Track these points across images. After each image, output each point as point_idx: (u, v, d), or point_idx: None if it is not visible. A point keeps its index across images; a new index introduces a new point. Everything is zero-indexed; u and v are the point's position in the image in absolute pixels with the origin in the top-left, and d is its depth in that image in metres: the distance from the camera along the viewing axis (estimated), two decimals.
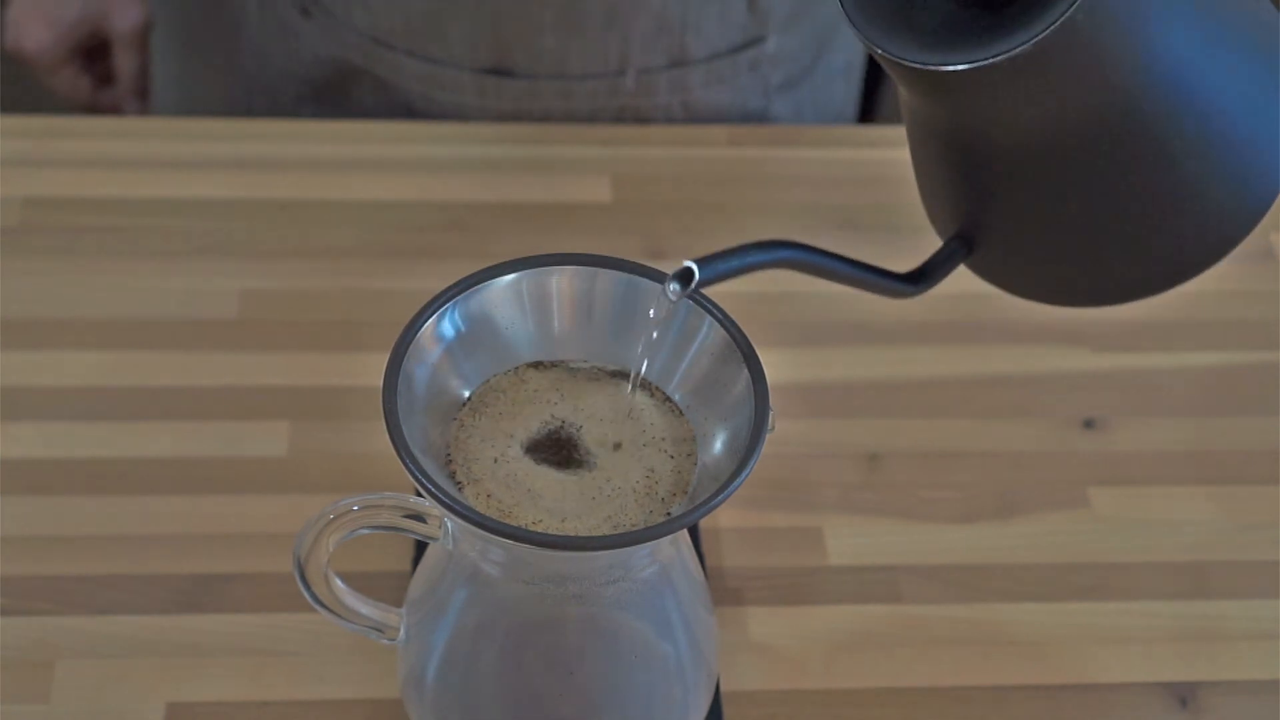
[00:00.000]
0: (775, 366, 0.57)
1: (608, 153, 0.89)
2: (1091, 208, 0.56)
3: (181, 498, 0.72)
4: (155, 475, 0.72)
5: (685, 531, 0.57)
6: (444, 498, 0.50)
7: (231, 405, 0.75)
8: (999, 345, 0.80)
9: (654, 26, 0.89)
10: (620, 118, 0.92)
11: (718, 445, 0.55)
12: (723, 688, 0.66)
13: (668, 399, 0.56)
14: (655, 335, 0.54)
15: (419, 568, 0.60)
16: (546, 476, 0.54)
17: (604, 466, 0.54)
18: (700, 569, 0.61)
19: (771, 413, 0.53)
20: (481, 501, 0.53)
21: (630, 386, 0.55)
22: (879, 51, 0.52)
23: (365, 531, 0.54)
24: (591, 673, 0.57)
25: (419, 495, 0.53)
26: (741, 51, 0.92)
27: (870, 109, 1.19)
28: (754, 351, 0.54)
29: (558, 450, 0.55)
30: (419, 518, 0.54)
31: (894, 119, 1.06)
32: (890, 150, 0.90)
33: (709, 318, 0.55)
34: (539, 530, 0.52)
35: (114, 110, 1.05)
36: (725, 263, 0.51)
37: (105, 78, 1.05)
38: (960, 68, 0.51)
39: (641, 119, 0.92)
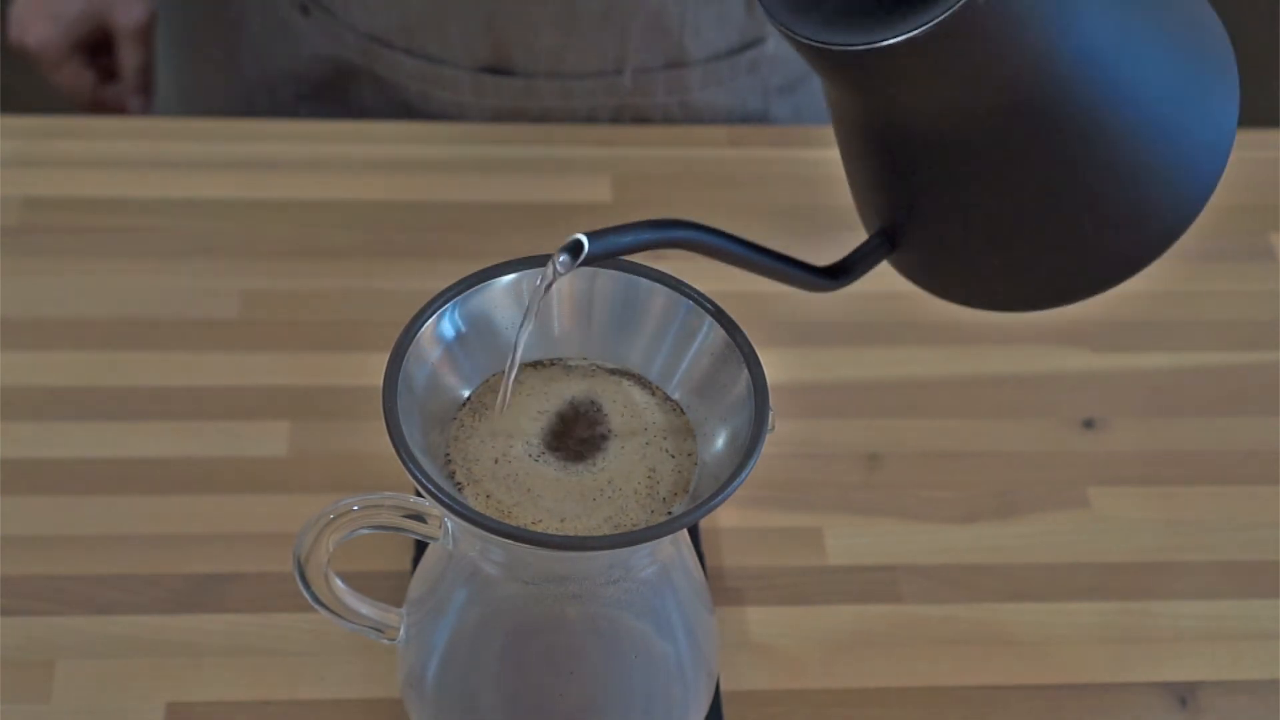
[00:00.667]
0: (775, 366, 0.57)
1: (608, 152, 0.89)
2: (1006, 200, 0.54)
3: (181, 498, 0.72)
4: (155, 475, 0.72)
5: (685, 531, 0.57)
6: (444, 498, 0.50)
7: (231, 405, 0.75)
8: (999, 345, 0.80)
9: (651, 26, 0.89)
10: (618, 118, 0.92)
11: (718, 445, 0.55)
12: (723, 688, 0.66)
13: (668, 398, 0.56)
14: (535, 306, 0.53)
15: (419, 568, 0.60)
16: (547, 476, 0.54)
17: (605, 466, 0.54)
18: (700, 569, 0.61)
19: (771, 413, 0.53)
20: (481, 501, 0.53)
21: (509, 364, 0.54)
22: (785, 31, 0.51)
23: (365, 531, 0.54)
24: (591, 673, 0.57)
25: (419, 495, 0.53)
26: (740, 53, 0.92)
27: None
28: (754, 351, 0.54)
29: (557, 449, 0.55)
30: (419, 518, 0.54)
31: None
32: None
33: (709, 318, 0.55)
34: (539, 530, 0.52)
35: (117, 106, 1.06)
36: (617, 237, 0.51)
37: (108, 74, 1.05)
38: (859, 48, 0.49)
39: (640, 119, 0.92)
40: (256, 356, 0.77)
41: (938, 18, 0.48)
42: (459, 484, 0.53)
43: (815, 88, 0.97)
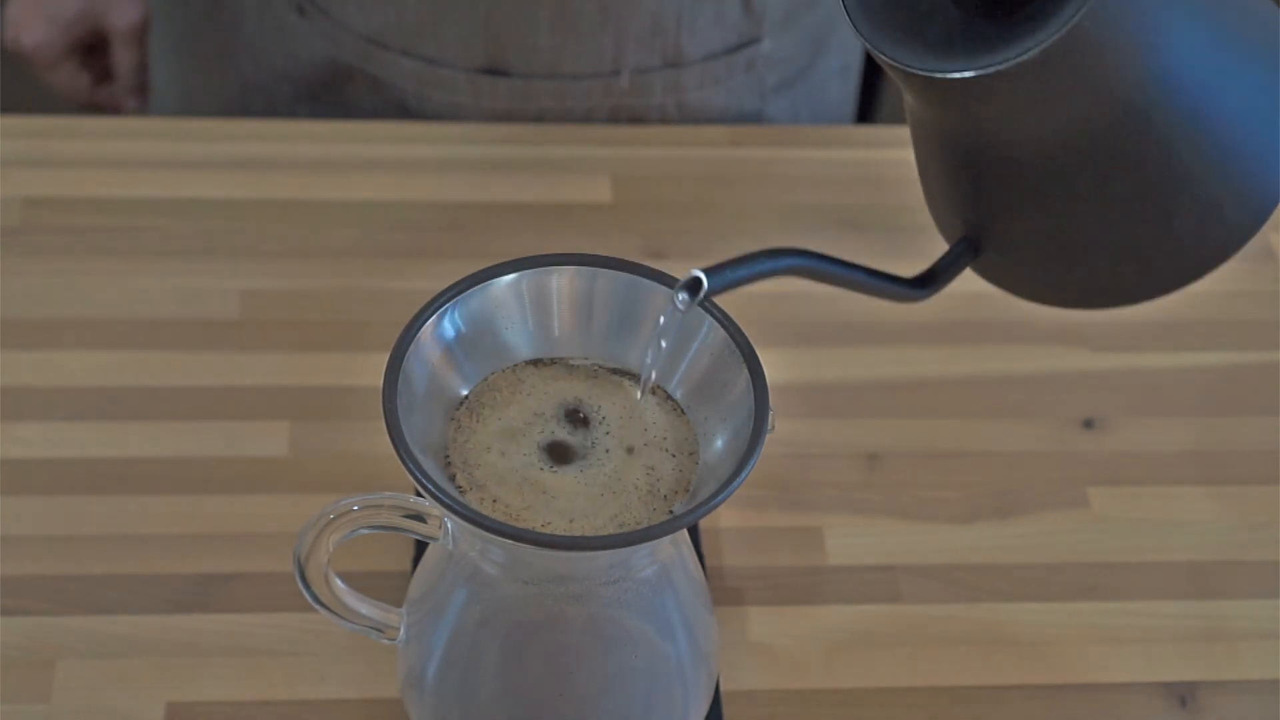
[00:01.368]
0: (775, 366, 0.57)
1: (607, 153, 0.89)
2: (1097, 212, 0.56)
3: (181, 498, 0.72)
4: (155, 475, 0.72)
5: (685, 531, 0.57)
6: (444, 498, 0.50)
7: (231, 405, 0.75)
8: (999, 345, 0.80)
9: (648, 27, 0.89)
10: (615, 118, 0.92)
11: (718, 444, 0.55)
12: (723, 688, 0.66)
13: (669, 397, 0.56)
14: (664, 344, 0.54)
15: (419, 568, 0.60)
16: (547, 476, 0.54)
17: (606, 466, 0.54)
18: (700, 569, 0.61)
19: (771, 413, 0.53)
20: (476, 499, 0.53)
21: (640, 393, 0.55)
22: (885, 59, 0.53)
23: (365, 531, 0.54)
24: (591, 672, 0.57)
25: (419, 495, 0.53)
26: (737, 52, 0.92)
27: (869, 109, 1.19)
28: (754, 351, 0.54)
29: (557, 448, 0.55)
30: (419, 518, 0.54)
31: (893, 119, 1.06)
32: (890, 151, 0.90)
33: (709, 318, 0.55)
34: (544, 531, 0.52)
35: (112, 107, 1.06)
36: (734, 271, 0.51)
37: (104, 75, 1.05)
38: (966, 75, 0.51)
39: (637, 119, 0.92)
40: (256, 356, 0.77)
41: (1044, 42, 0.49)
42: (458, 484, 0.53)
43: (811, 85, 0.97)
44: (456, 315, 0.56)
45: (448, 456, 0.54)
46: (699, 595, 0.60)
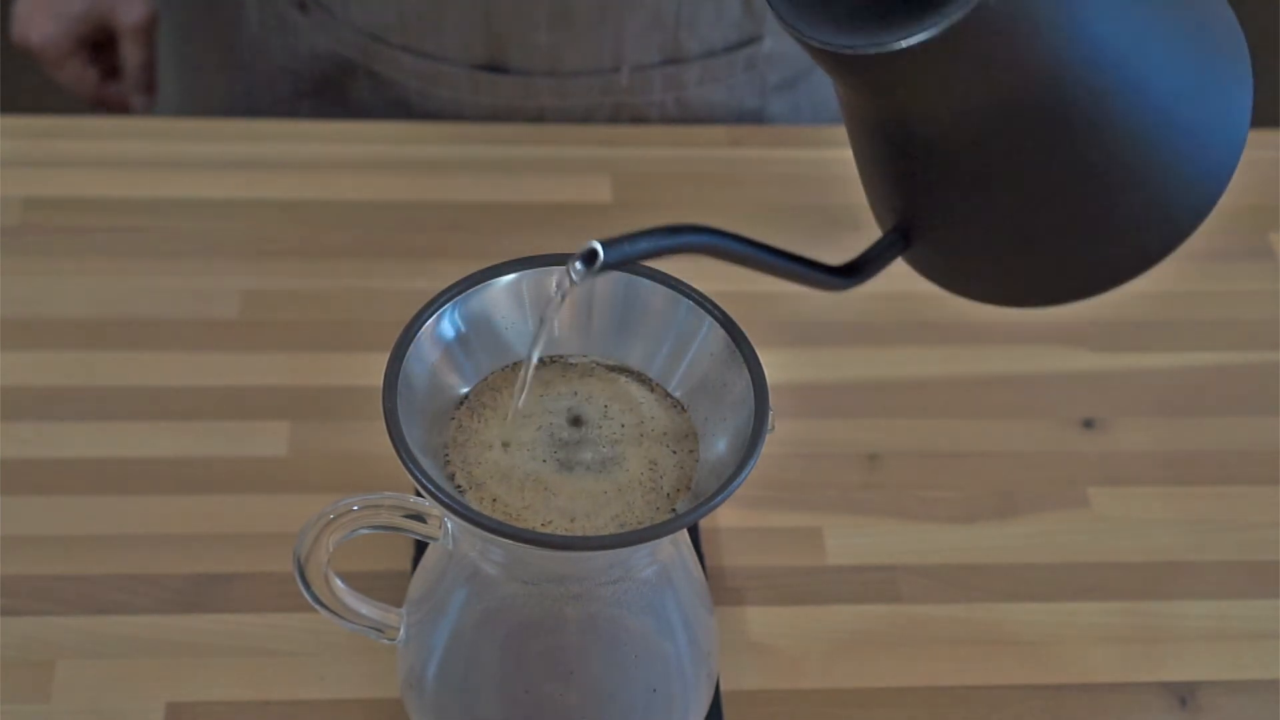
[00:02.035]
0: (775, 366, 0.57)
1: (608, 152, 0.89)
2: (1020, 201, 0.54)
3: (181, 498, 0.72)
4: (155, 475, 0.72)
5: (685, 531, 0.57)
6: (444, 498, 0.50)
7: (231, 405, 0.75)
8: (999, 345, 0.80)
9: (648, 23, 0.89)
10: (615, 115, 0.92)
11: (719, 444, 0.55)
12: (723, 688, 0.66)
13: (669, 395, 0.56)
14: (554, 314, 0.53)
15: (419, 568, 0.60)
16: (548, 475, 0.54)
17: (607, 464, 0.54)
18: (700, 569, 0.61)
19: (771, 413, 0.53)
20: (476, 499, 0.53)
21: (524, 370, 0.54)
22: (797, 35, 0.51)
23: (365, 531, 0.54)
24: (591, 672, 0.57)
25: (419, 495, 0.53)
26: (737, 50, 0.92)
27: None
28: (754, 351, 0.54)
29: (558, 446, 0.55)
30: (419, 518, 0.54)
31: None
32: None
33: (709, 318, 0.55)
34: (544, 531, 0.52)
35: (119, 104, 1.06)
36: (632, 245, 0.50)
37: (111, 71, 1.05)
38: (868, 52, 0.50)
39: (636, 116, 0.92)
40: (256, 356, 0.77)
41: (950, 19, 0.48)
42: (458, 484, 0.53)
43: (812, 85, 0.97)
44: (456, 315, 0.55)
45: (447, 456, 0.54)
46: (699, 595, 0.60)
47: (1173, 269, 0.61)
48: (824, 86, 0.99)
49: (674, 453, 0.55)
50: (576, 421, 0.55)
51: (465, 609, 0.57)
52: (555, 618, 0.56)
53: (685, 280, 0.57)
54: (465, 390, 0.56)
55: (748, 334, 0.55)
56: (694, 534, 0.71)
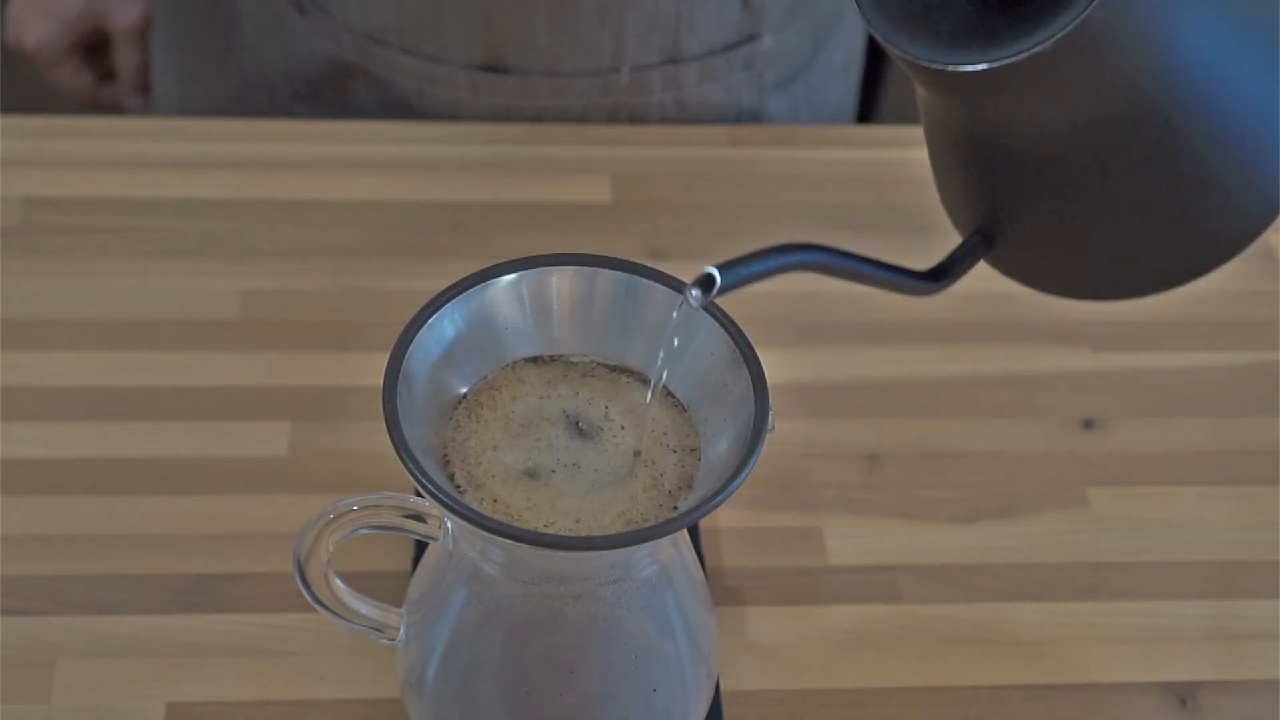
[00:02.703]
0: (775, 366, 0.57)
1: (607, 152, 0.89)
2: (1109, 204, 0.56)
3: (181, 498, 0.72)
4: (155, 475, 0.72)
5: (685, 531, 0.57)
6: (443, 498, 0.50)
7: (231, 405, 0.75)
8: (999, 345, 0.80)
9: (647, 23, 0.89)
10: (614, 115, 0.92)
11: (719, 444, 0.55)
12: (723, 688, 0.66)
13: (669, 394, 0.56)
14: (676, 342, 0.54)
15: (419, 568, 0.60)
16: (549, 474, 0.54)
17: (609, 463, 0.54)
18: (700, 569, 0.61)
19: (771, 413, 0.53)
20: (476, 499, 0.53)
21: (649, 394, 0.55)
22: (897, 53, 0.53)
23: (365, 531, 0.54)
24: (591, 672, 0.57)
25: (419, 495, 0.53)
26: (736, 49, 0.92)
27: (870, 107, 1.19)
28: (754, 351, 0.54)
29: (559, 446, 0.55)
30: (419, 518, 0.54)
31: (895, 117, 1.06)
32: (892, 150, 0.90)
33: (709, 318, 0.55)
34: (547, 531, 0.52)
35: (115, 106, 1.06)
36: (747, 267, 0.51)
37: (106, 74, 1.05)
38: (978, 68, 0.51)
39: (635, 116, 0.92)
40: (256, 356, 0.77)
41: (1057, 33, 0.49)
42: (458, 484, 0.53)
43: (812, 84, 0.97)
44: (456, 315, 0.55)
45: (447, 456, 0.54)
46: (699, 595, 0.59)
47: None
48: (823, 84, 0.99)
49: (675, 452, 0.55)
50: (577, 422, 0.55)
51: (465, 609, 0.57)
52: (555, 618, 0.56)
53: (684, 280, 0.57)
54: (465, 390, 0.56)
55: (748, 334, 0.55)
56: (694, 534, 0.71)
